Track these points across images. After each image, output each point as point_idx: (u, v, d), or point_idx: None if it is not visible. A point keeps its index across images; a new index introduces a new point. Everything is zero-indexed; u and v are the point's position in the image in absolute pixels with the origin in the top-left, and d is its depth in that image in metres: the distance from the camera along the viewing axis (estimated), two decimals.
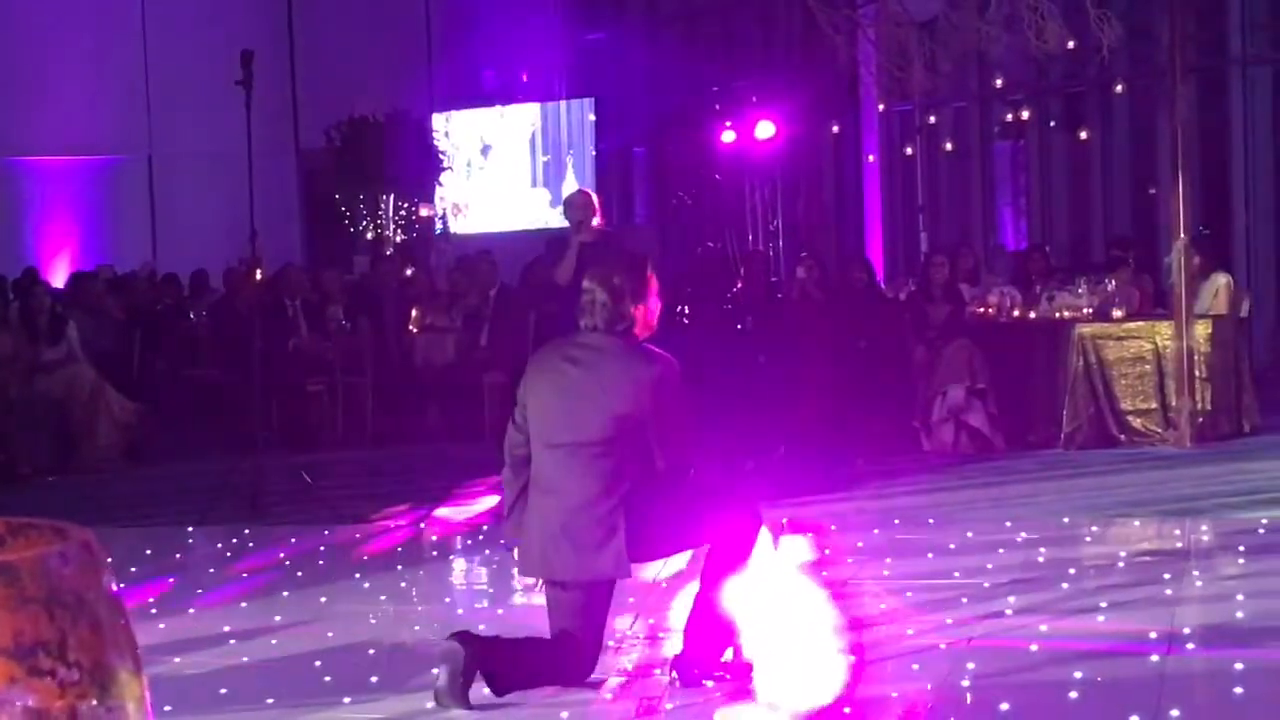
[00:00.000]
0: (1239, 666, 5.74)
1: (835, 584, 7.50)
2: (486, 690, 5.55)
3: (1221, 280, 13.33)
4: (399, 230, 20.83)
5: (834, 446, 12.14)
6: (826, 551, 8.27)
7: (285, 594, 7.87)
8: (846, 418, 12.86)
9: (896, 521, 9.27)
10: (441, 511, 10.15)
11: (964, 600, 7.04)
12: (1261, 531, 8.49)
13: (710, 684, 5.77)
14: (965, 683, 5.73)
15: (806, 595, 7.23)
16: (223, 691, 6.00)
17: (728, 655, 5.93)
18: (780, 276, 17.26)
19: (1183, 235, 12.29)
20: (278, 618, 7.34)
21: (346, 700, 5.82)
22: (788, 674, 6.06)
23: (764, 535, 6.18)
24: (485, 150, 23.32)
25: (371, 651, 6.62)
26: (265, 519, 10.27)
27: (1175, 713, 5.19)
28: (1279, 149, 19.69)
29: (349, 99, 20.88)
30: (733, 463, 11.76)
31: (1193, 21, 12.89)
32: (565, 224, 11.48)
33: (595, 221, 11.02)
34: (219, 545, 9.50)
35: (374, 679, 6.07)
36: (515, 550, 5.93)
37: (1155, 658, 5.91)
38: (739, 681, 5.82)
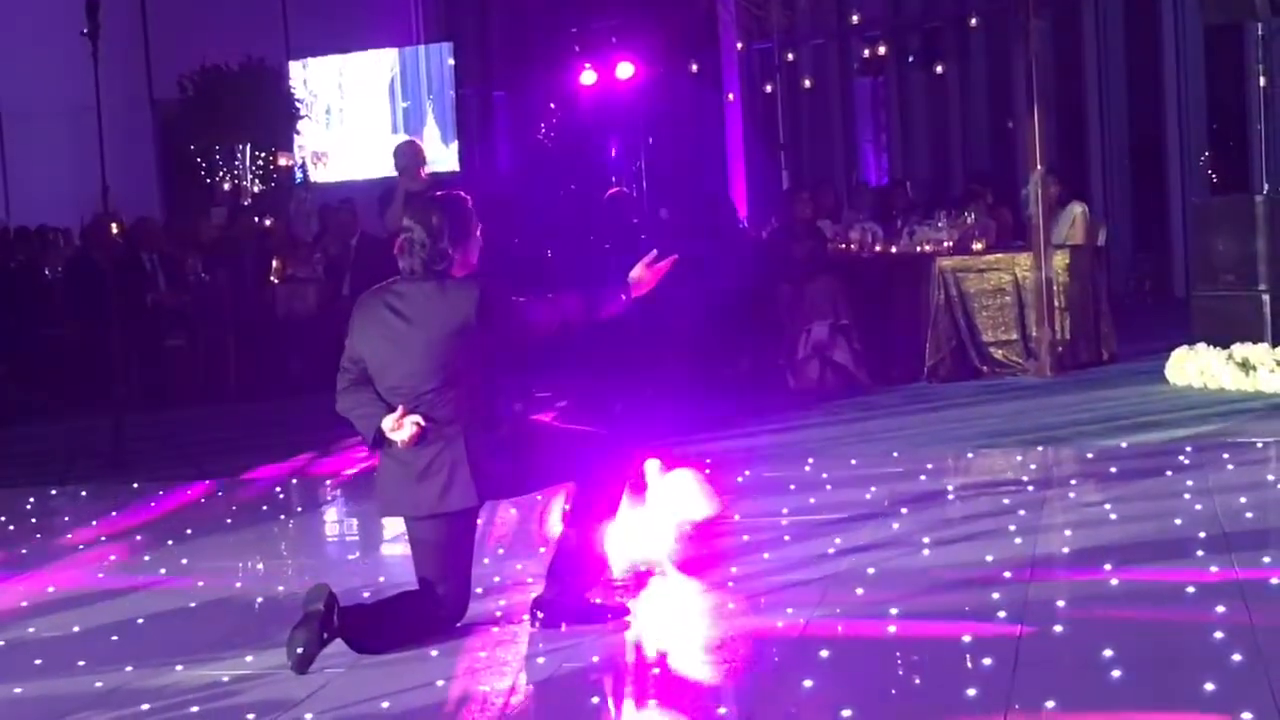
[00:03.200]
0: (1105, 588, 5.82)
1: (704, 523, 7.51)
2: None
3: (1078, 210, 13.49)
4: (257, 180, 20.53)
5: (701, 386, 12.16)
6: (696, 490, 8.27)
7: (147, 556, 7.75)
8: (712, 358, 12.89)
9: (764, 459, 9.29)
10: (307, 463, 10.05)
11: (832, 535, 7.08)
12: (1122, 457, 8.61)
13: (577, 626, 5.76)
14: (838, 610, 5.77)
15: (676, 533, 7.24)
16: (83, 654, 5.89)
17: (596, 596, 5.93)
18: (643, 217, 17.22)
19: (1039, 167, 12.39)
20: (141, 577, 7.23)
21: (210, 658, 5.74)
22: (660, 614, 6.06)
23: (633, 476, 6.18)
24: (343, 96, 23.04)
25: (237, 608, 6.54)
26: (127, 477, 10.10)
27: (1038, 634, 5.26)
28: (1132, 81, 19.94)
29: (203, 47, 20.50)
30: (601, 404, 11.76)
31: None
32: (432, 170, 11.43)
33: (424, 170, 11.05)
34: (80, 506, 9.35)
35: (239, 636, 6.00)
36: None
37: (1018, 586, 5.97)
38: (609, 622, 5.82)
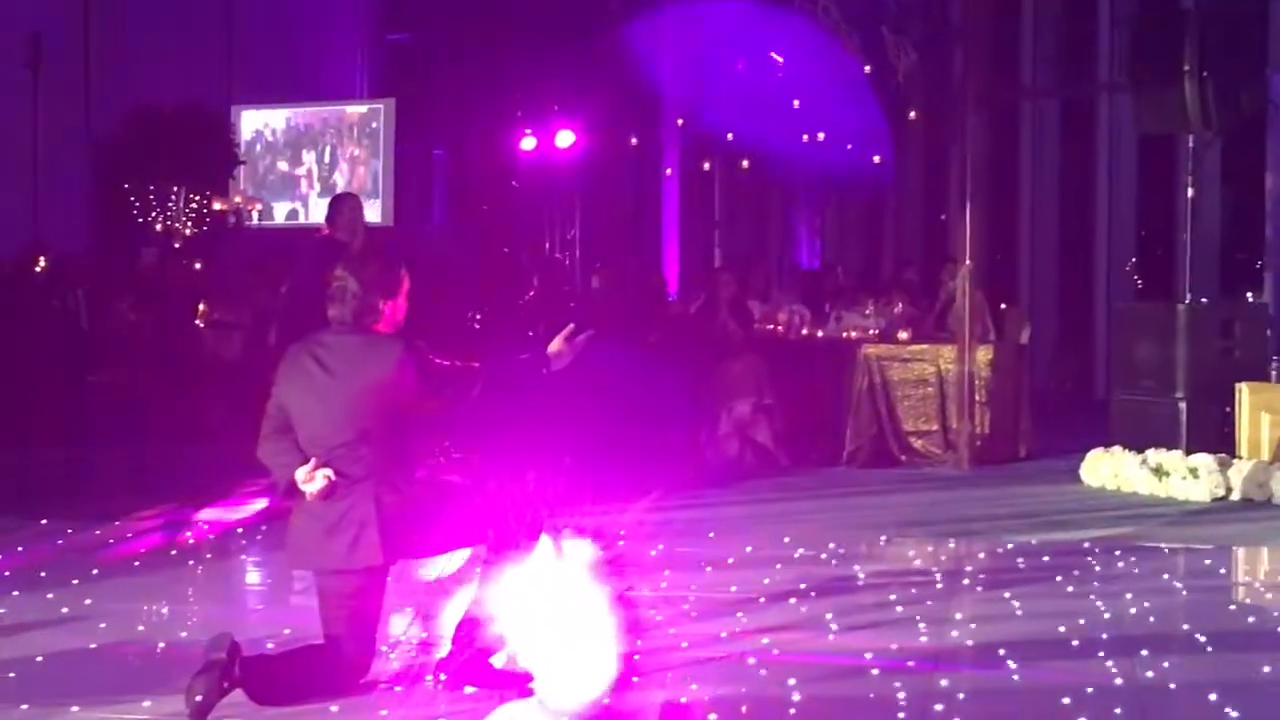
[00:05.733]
0: (1007, 684, 5.85)
1: (613, 594, 7.51)
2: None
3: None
4: (190, 223, 20.44)
5: (619, 457, 12.15)
6: (606, 561, 8.27)
7: (50, 595, 7.64)
8: (632, 429, 12.89)
9: (678, 534, 9.30)
10: (218, 510, 9.98)
11: (740, 614, 7.09)
12: (1032, 553, 8.67)
13: (479, 689, 5.74)
14: (743, 690, 5.77)
15: (584, 604, 7.23)
16: None
17: (501, 660, 5.91)
18: (574, 285, 17.29)
19: (968, 261, 12.53)
20: (39, 617, 7.14)
21: (107, 701, 5.68)
22: (561, 681, 6.04)
23: (544, 542, 6.18)
24: (283, 146, 23.03)
25: (139, 652, 6.47)
26: (35, 515, 9.98)
27: None
28: (1065, 181, 20.21)
29: (145, 88, 20.45)
30: (516, 471, 11.73)
31: (986, 53, 13.14)
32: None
33: (359, 224, 11.12)
34: None
35: (139, 681, 5.94)
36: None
37: (925, 675, 6.00)
38: (512, 687, 5.80)
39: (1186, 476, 10.74)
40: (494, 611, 5.81)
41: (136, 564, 8.45)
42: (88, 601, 7.43)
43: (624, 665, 6.23)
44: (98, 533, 9.34)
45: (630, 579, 7.86)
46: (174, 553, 8.84)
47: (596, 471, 11.23)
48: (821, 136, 21.06)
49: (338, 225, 10.80)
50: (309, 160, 22.94)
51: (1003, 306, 14.28)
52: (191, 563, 8.66)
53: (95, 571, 8.13)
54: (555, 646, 6.50)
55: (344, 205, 11.06)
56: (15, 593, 7.66)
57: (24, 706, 5.62)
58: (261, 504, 9.73)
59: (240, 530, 9.50)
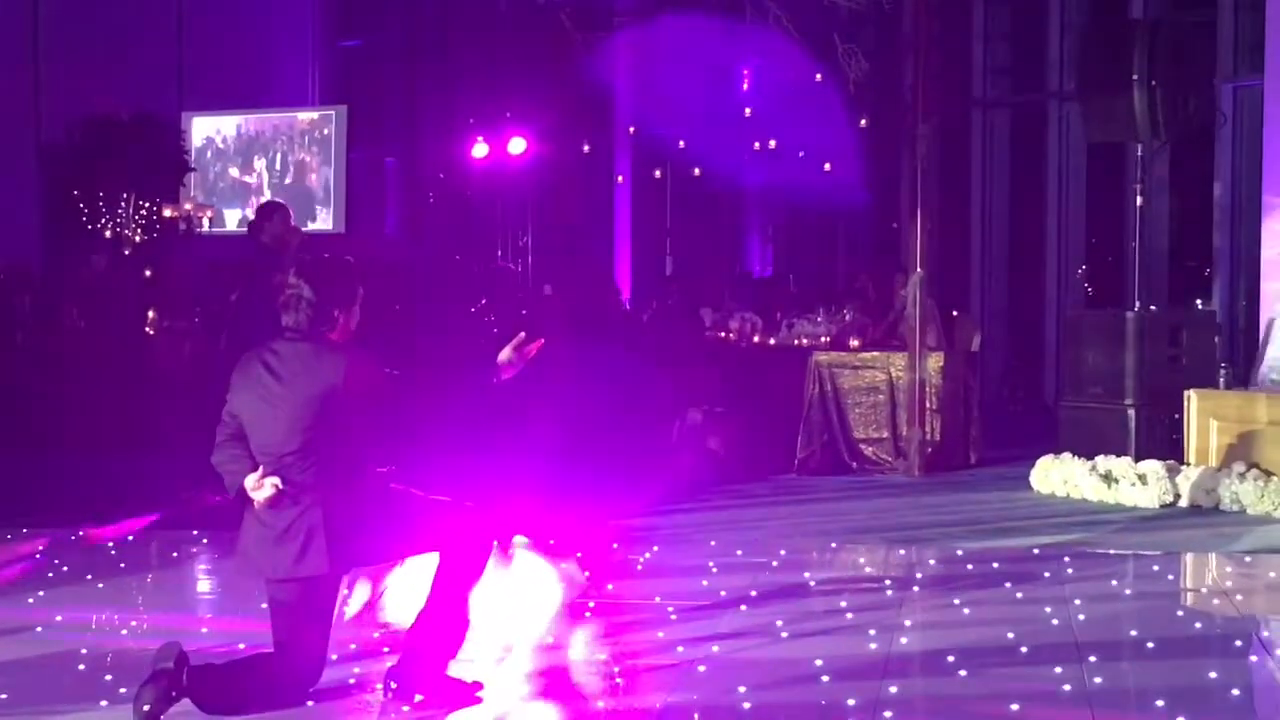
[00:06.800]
0: (956, 690, 5.88)
1: (563, 602, 7.50)
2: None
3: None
4: (139, 230, 20.35)
5: (571, 465, 12.15)
6: (555, 569, 8.25)
7: None
8: (584, 437, 12.89)
9: (628, 542, 9.30)
10: (168, 518, 9.93)
11: (690, 622, 7.10)
12: (982, 560, 8.71)
13: (428, 699, 5.73)
14: (694, 697, 5.77)
15: (534, 612, 7.22)
16: None
17: (453, 670, 5.90)
18: (527, 293, 17.27)
19: (919, 270, 12.57)
20: None
21: (55, 710, 5.65)
22: (511, 689, 6.04)
23: (495, 551, 6.17)
24: (234, 153, 22.95)
25: (87, 661, 6.44)
26: None
27: None
28: (1015, 189, 20.30)
29: (95, 95, 20.34)
30: (468, 479, 11.71)
31: (936, 62, 13.20)
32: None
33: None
34: None
35: (86, 689, 5.91)
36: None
37: (874, 682, 6.02)
38: (462, 697, 5.79)
39: (1135, 483, 10.80)
40: (446, 620, 5.79)
41: (89, 570, 8.39)
42: (35, 610, 7.39)
43: (573, 674, 6.23)
44: (48, 539, 9.28)
45: (580, 588, 7.85)
46: (123, 561, 8.78)
47: (548, 479, 11.22)
48: (773, 144, 21.10)
49: (262, 233, 10.94)
50: (260, 167, 22.85)
51: (954, 314, 14.33)
52: (141, 570, 8.61)
53: (43, 579, 8.08)
54: (504, 656, 6.49)
55: (270, 211, 11.24)
56: None
57: None
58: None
59: (193, 537, 9.45)
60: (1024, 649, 6.56)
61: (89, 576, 8.18)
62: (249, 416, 5.73)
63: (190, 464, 11.08)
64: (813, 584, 8.16)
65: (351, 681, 6.02)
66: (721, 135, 21.67)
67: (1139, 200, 12.56)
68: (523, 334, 6.09)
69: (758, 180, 22.09)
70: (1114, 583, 8.28)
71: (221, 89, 22.41)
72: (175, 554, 9.23)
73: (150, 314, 14.94)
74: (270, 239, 10.81)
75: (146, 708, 5.25)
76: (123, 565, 8.71)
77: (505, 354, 5.99)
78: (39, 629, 7.01)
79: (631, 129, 20.93)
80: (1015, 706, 5.64)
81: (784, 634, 6.87)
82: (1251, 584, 8.44)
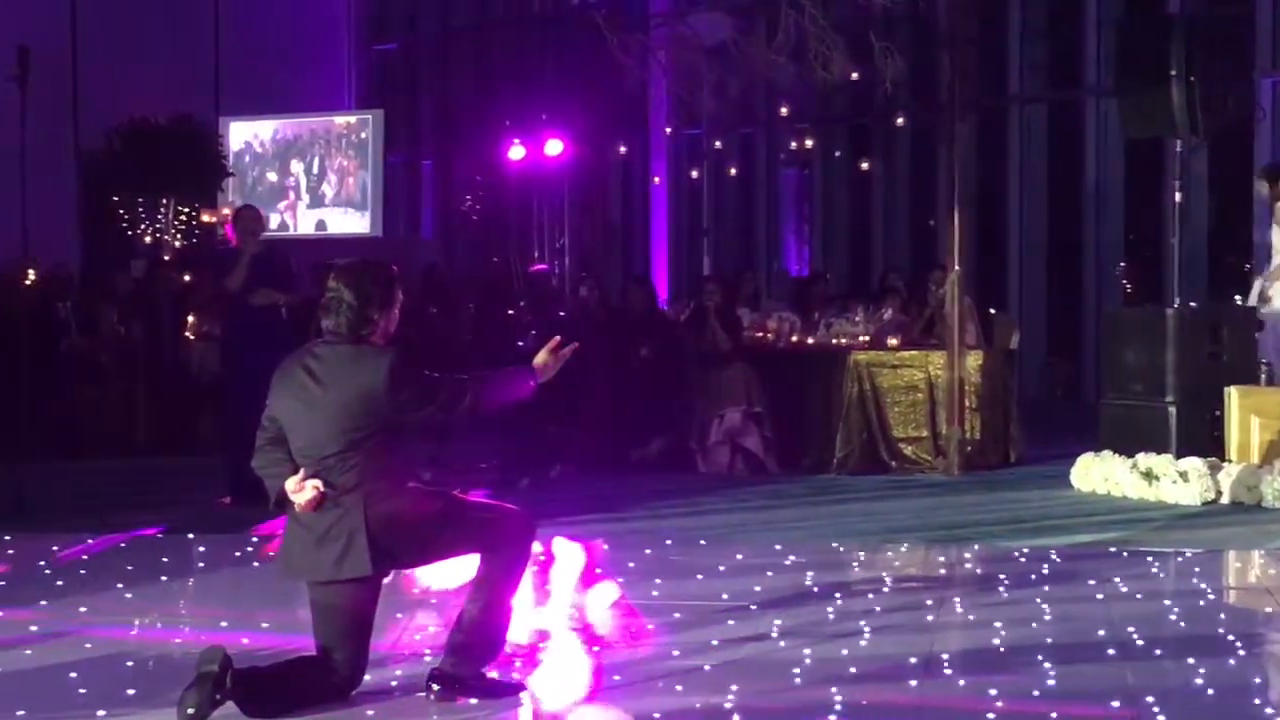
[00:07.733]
0: (993, 692, 5.86)
1: (605, 604, 7.50)
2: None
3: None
4: (179, 235, 20.47)
5: (611, 466, 12.18)
6: (598, 570, 8.27)
7: (44, 602, 7.66)
8: (623, 438, 12.92)
9: (668, 542, 9.31)
10: (211, 522, 9.97)
11: (730, 622, 7.09)
12: (1021, 560, 8.68)
13: (474, 700, 5.74)
14: (733, 699, 5.77)
15: (576, 613, 7.23)
16: None
17: (493, 672, 5.91)
18: (564, 294, 17.30)
19: (956, 268, 12.54)
20: (34, 627, 7.14)
21: (100, 713, 5.67)
22: (554, 692, 6.05)
23: (536, 551, 6.18)
24: (272, 157, 23.05)
25: (130, 664, 6.47)
26: (28, 525, 9.99)
27: None
28: (1052, 186, 20.25)
29: (133, 101, 20.46)
30: (508, 479, 11.76)
31: (973, 59, 13.17)
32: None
33: (261, 235, 11.59)
34: None
35: (130, 692, 5.93)
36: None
37: (914, 682, 6.01)
38: (504, 698, 5.80)
39: (1176, 480, 10.76)
40: (488, 621, 5.80)
41: (129, 573, 8.42)
42: (81, 610, 7.42)
43: (615, 673, 6.23)
44: (90, 541, 9.33)
45: (622, 588, 7.86)
46: (165, 563, 8.82)
47: (587, 479, 11.25)
48: (810, 144, 21.10)
49: (246, 234, 11.26)
50: (297, 171, 22.97)
51: (991, 312, 14.30)
52: (183, 574, 8.65)
53: (86, 582, 8.12)
54: (547, 658, 6.50)
55: (246, 215, 11.61)
56: (4, 609, 7.63)
57: (20, 712, 5.63)
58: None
59: (233, 541, 9.48)
60: (1065, 648, 6.53)
61: (120, 584, 8.19)
62: (289, 420, 5.75)
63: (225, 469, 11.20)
64: (853, 584, 8.14)
65: (394, 684, 6.03)
66: (757, 135, 21.69)
67: (1177, 196, 12.53)
68: (558, 337, 6.09)
69: (793, 179, 22.10)
70: (1156, 581, 8.25)
71: (259, 94, 22.53)
72: (216, 555, 9.25)
73: (190, 319, 15.02)
74: (243, 237, 11.24)
75: (191, 711, 5.27)
76: (165, 564, 8.74)
77: (541, 357, 6.00)
78: (79, 629, 7.04)
79: (668, 130, 20.94)
80: (1054, 714, 5.60)
81: (825, 633, 6.85)
82: None
